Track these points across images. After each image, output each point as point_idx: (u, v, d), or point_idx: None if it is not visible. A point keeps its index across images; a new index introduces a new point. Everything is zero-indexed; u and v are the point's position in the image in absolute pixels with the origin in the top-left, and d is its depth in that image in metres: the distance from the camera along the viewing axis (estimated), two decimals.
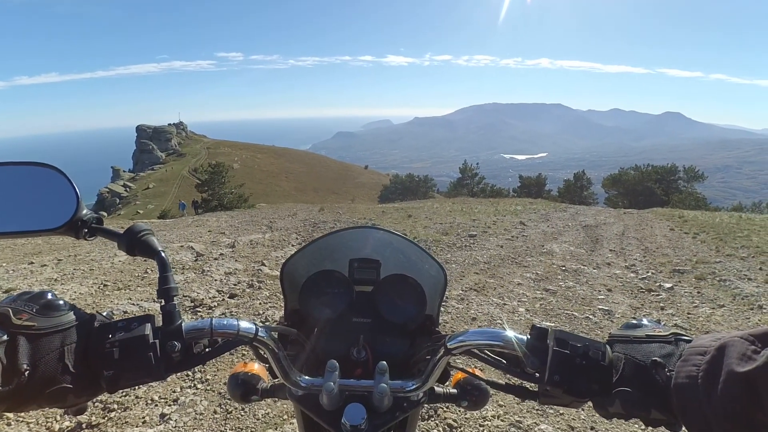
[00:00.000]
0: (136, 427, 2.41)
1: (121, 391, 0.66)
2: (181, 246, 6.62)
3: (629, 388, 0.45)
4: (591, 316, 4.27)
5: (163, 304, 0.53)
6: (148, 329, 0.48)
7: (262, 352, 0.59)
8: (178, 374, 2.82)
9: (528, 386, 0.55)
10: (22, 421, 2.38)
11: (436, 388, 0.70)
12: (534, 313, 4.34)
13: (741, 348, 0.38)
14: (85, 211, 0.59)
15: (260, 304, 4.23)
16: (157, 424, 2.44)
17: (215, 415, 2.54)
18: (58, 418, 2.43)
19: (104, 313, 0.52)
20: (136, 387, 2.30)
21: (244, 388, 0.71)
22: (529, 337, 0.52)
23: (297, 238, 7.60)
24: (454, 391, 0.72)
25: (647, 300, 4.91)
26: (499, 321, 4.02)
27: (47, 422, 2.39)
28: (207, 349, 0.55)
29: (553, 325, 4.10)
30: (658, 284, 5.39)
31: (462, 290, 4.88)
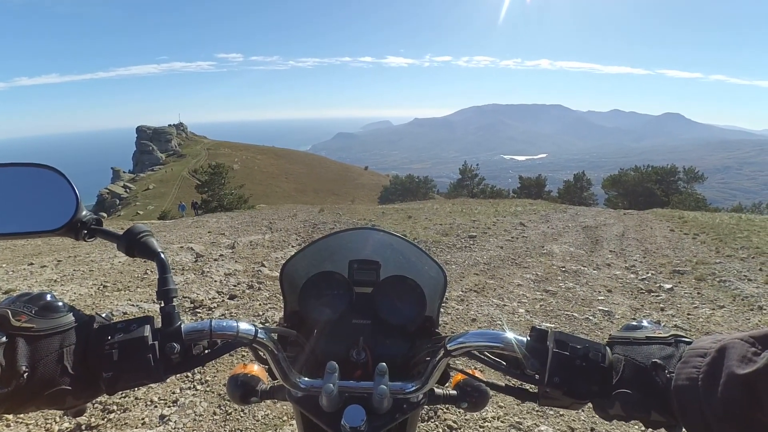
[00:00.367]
0: (136, 428, 2.41)
1: (120, 392, 0.66)
2: (181, 247, 6.63)
3: (629, 390, 0.45)
4: (591, 317, 4.27)
5: (162, 305, 0.53)
6: (147, 331, 0.48)
7: (262, 354, 0.59)
8: (178, 375, 2.82)
9: (528, 388, 0.55)
10: (22, 423, 2.37)
11: (436, 390, 0.70)
12: (534, 314, 4.34)
13: (741, 350, 0.37)
14: (84, 213, 0.59)
15: (260, 305, 4.23)
16: (156, 426, 2.43)
17: (215, 417, 2.53)
18: (58, 419, 2.42)
19: (103, 315, 0.52)
20: (136, 388, 2.30)
21: (243, 390, 0.71)
22: (528, 338, 0.52)
23: (297, 239, 7.60)
24: (454, 392, 0.72)
25: (647, 301, 4.90)
26: (499, 322, 4.02)
27: (46, 423, 2.38)
28: (206, 351, 0.55)
29: (552, 326, 4.09)
30: (658, 285, 5.39)
31: (462, 291, 4.88)
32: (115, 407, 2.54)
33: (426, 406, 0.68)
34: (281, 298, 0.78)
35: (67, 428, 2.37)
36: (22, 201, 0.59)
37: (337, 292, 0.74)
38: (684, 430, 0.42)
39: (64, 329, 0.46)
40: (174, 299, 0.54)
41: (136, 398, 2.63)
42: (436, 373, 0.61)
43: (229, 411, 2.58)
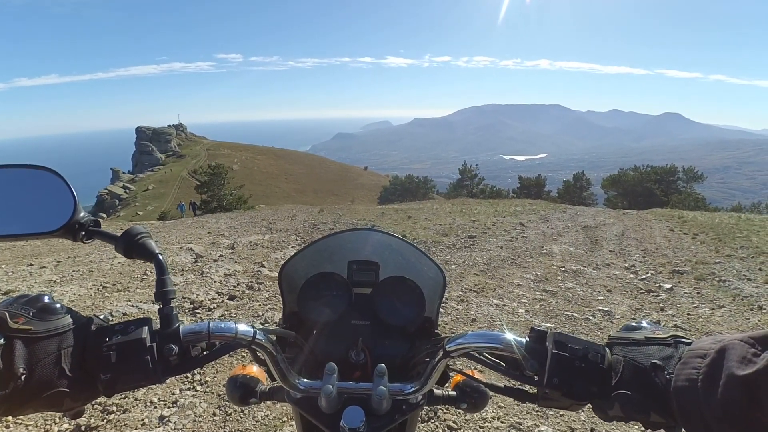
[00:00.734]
0: (135, 429, 2.40)
1: (119, 393, 0.66)
2: (181, 247, 6.62)
3: (628, 391, 0.45)
4: (591, 317, 4.27)
5: (160, 307, 0.53)
6: (145, 332, 0.48)
7: (261, 355, 0.59)
8: (177, 376, 2.82)
9: (527, 389, 0.55)
10: (21, 424, 2.37)
11: (435, 391, 0.70)
12: (534, 314, 4.34)
13: (741, 351, 0.37)
14: (82, 214, 0.59)
15: (260, 305, 4.23)
16: (156, 427, 2.43)
17: (214, 418, 2.53)
18: (57, 420, 2.42)
19: (102, 316, 0.52)
20: (135, 390, 2.30)
21: (242, 391, 0.71)
22: (528, 339, 0.52)
23: (296, 240, 7.60)
24: (454, 393, 0.72)
25: (647, 301, 4.91)
26: (499, 322, 4.02)
27: (46, 425, 2.38)
28: (205, 352, 0.55)
29: (552, 327, 4.09)
30: (657, 285, 5.39)
31: (462, 291, 4.88)
32: (114, 408, 2.53)
33: (426, 407, 0.68)
34: (280, 298, 0.78)
35: (66, 429, 2.37)
36: (20, 202, 0.59)
37: (336, 292, 0.74)
38: (683, 431, 0.42)
39: (62, 331, 0.46)
40: (172, 300, 0.53)
41: (136, 399, 2.63)
42: (436, 374, 0.61)
43: (229, 412, 2.57)
